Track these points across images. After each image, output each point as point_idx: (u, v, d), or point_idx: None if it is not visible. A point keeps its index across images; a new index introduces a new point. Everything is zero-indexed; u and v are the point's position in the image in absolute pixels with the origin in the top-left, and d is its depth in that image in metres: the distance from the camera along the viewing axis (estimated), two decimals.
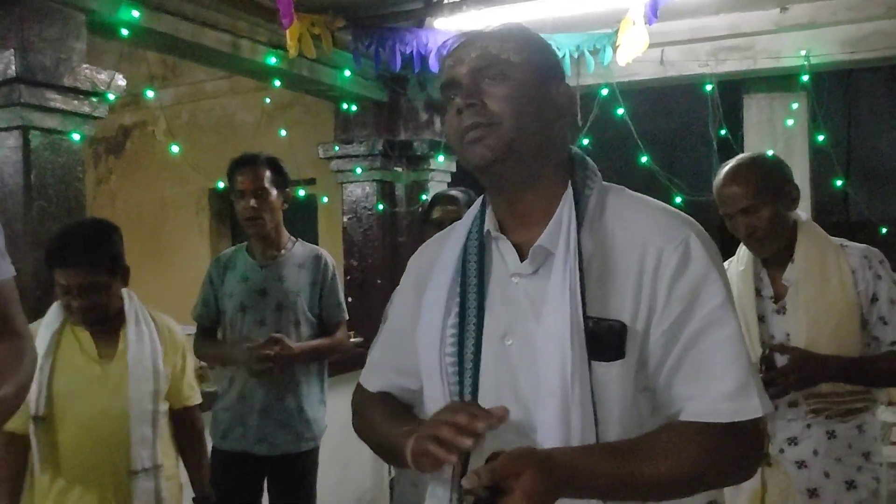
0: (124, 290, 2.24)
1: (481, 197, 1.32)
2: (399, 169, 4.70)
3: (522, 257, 1.20)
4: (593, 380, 1.10)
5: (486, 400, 1.15)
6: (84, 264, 2.07)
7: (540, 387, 1.12)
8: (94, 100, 2.76)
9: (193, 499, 2.36)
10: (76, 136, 2.73)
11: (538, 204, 1.21)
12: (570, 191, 1.20)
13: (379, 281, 4.61)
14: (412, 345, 1.29)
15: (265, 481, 2.88)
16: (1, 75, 2.51)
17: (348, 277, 4.68)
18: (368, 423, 1.36)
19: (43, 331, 2.14)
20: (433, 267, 1.29)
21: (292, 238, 2.95)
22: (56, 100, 2.62)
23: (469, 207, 2.55)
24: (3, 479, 2.14)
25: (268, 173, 2.80)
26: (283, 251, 2.89)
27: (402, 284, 1.43)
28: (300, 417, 2.82)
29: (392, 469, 4.47)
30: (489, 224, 1.25)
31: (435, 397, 1.22)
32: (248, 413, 2.77)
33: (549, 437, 1.10)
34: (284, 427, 2.79)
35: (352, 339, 4.33)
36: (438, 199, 2.69)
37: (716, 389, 1.11)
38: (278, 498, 2.87)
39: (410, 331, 1.30)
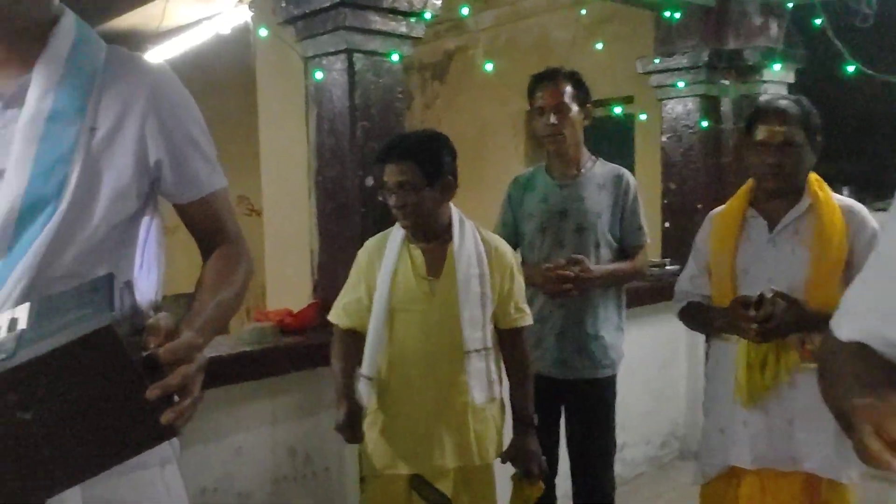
0: (454, 210, 2.27)
1: None
2: (726, 81, 4.26)
3: None
4: None
5: None
6: (403, 160, 2.14)
7: None
8: (411, 20, 2.79)
9: (515, 419, 2.35)
10: (395, 57, 2.79)
11: None
12: None
13: (699, 206, 4.27)
14: None
15: (562, 405, 2.83)
16: (328, 0, 2.62)
17: (665, 201, 4.40)
18: (832, 382, 1.07)
19: (389, 244, 2.25)
20: None
21: (592, 157, 2.80)
22: (376, 21, 2.69)
23: (806, 122, 2.20)
24: (343, 357, 2.26)
25: (568, 88, 2.67)
26: (582, 170, 2.76)
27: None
28: (597, 343, 2.72)
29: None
30: None
31: None
32: (546, 335, 2.72)
33: None
34: (581, 351, 2.71)
35: (667, 267, 4.10)
36: (763, 114, 2.23)
37: None
38: (575, 423, 2.81)
39: None
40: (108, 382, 0.90)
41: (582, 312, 2.70)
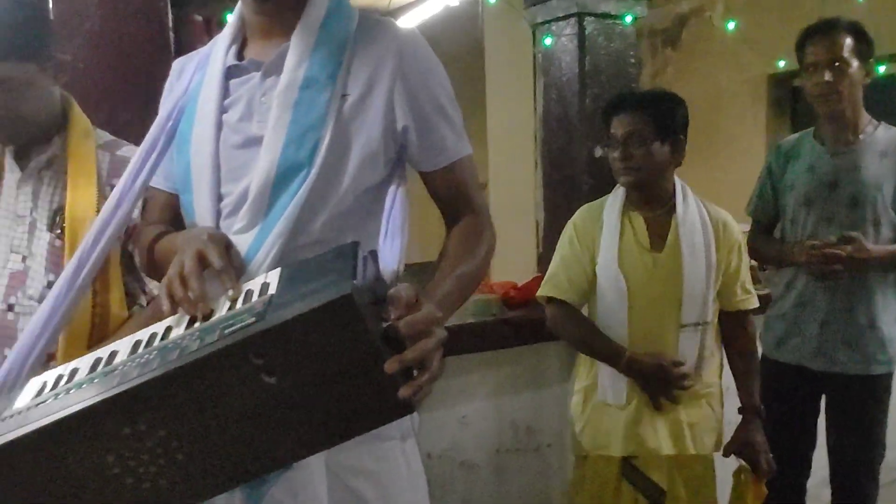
0: (677, 179, 2.13)
1: None
2: None
3: None
4: None
5: None
6: (635, 111, 2.05)
7: None
8: None
9: (740, 409, 2.18)
10: (628, 19, 2.65)
11: None
12: None
13: None
14: None
15: (822, 400, 2.53)
16: None
17: None
18: None
19: (607, 212, 2.15)
20: None
21: (873, 121, 2.43)
22: None
23: None
24: (590, 329, 2.15)
25: (848, 41, 2.31)
26: (861, 136, 2.40)
27: None
28: (871, 335, 2.37)
29: None
30: None
31: None
32: (807, 322, 2.42)
33: None
34: (849, 343, 2.38)
35: None
36: None
37: None
38: (837, 423, 2.48)
39: None
40: (347, 352, 0.89)
41: (853, 298, 2.37)
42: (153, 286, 1.62)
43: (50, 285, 1.51)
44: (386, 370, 0.90)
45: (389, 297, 0.97)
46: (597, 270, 2.11)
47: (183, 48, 2.43)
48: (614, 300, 2.08)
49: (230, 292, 1.04)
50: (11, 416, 0.93)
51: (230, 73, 1.26)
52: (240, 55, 1.29)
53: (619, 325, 2.08)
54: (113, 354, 1.00)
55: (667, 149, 2.05)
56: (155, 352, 0.94)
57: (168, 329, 1.02)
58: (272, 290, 0.98)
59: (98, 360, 1.00)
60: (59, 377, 1.00)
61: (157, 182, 1.35)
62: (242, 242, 1.17)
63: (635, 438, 2.07)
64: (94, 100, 1.89)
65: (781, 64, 3.91)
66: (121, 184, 1.29)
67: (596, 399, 2.14)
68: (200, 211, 1.24)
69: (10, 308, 1.52)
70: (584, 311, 2.21)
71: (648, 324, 2.06)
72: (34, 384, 1.02)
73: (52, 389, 0.97)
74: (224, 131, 1.23)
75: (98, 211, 1.52)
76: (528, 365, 2.62)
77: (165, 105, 1.33)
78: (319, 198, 1.18)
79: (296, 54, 1.20)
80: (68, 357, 1.49)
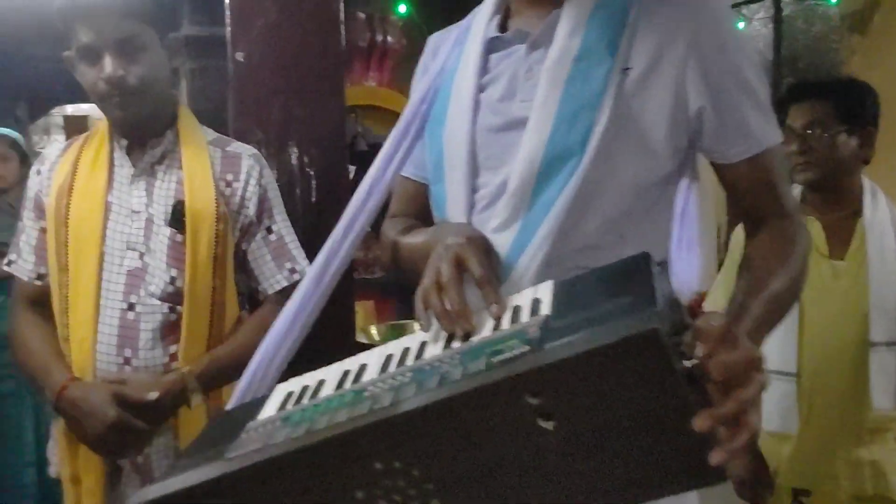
0: (865, 179, 1.91)
1: None
2: None
3: None
4: None
5: None
6: (816, 97, 1.86)
7: None
8: None
9: None
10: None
11: None
12: None
13: None
14: None
15: None
16: None
17: None
18: None
19: None
20: None
21: None
22: None
23: None
24: None
25: None
26: None
27: None
28: None
29: None
30: None
31: None
32: None
33: None
34: None
35: None
36: None
37: None
38: None
39: None
40: (644, 400, 0.72)
41: None
42: (266, 286, 1.60)
43: (172, 281, 1.49)
44: (695, 428, 0.70)
45: (696, 328, 0.76)
46: None
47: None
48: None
49: (493, 307, 0.88)
50: (255, 429, 0.85)
51: (491, 47, 1.13)
52: (503, 27, 1.14)
53: (787, 344, 1.86)
54: (363, 368, 0.90)
55: (854, 142, 1.83)
56: (409, 374, 0.82)
57: (423, 345, 0.90)
58: (545, 309, 0.83)
59: (346, 374, 0.90)
60: (305, 388, 0.92)
61: (407, 171, 1.25)
62: (501, 243, 1.03)
63: (802, 469, 1.86)
64: (267, 95, 1.89)
65: None
66: (371, 172, 1.18)
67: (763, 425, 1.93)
68: (452, 204, 1.11)
69: (132, 307, 1.49)
70: None
71: (825, 343, 1.84)
72: (280, 392, 0.94)
73: (296, 402, 0.89)
74: (482, 113, 1.10)
75: (217, 205, 1.51)
76: None
77: (419, 86, 1.22)
78: (593, 192, 1.01)
79: (569, 22, 1.05)
80: (189, 357, 1.48)
